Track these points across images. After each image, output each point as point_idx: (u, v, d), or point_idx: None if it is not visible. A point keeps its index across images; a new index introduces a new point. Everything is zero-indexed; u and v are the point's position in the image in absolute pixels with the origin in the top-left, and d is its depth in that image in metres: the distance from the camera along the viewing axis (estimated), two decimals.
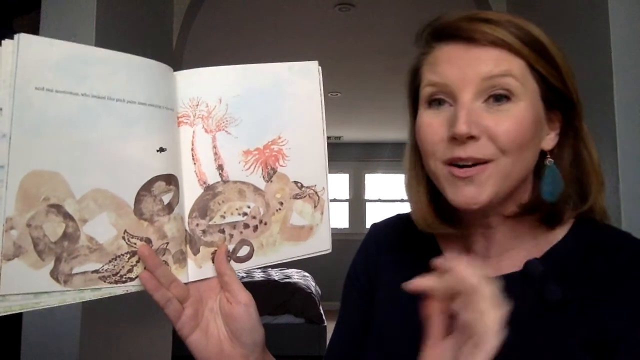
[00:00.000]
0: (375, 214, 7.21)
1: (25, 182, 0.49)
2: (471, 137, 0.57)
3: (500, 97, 0.58)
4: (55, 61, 0.50)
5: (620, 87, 1.28)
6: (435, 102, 0.61)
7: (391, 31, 3.46)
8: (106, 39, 1.52)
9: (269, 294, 4.31)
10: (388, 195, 7.44)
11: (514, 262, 0.62)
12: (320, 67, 0.64)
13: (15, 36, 0.48)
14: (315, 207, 0.64)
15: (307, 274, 5.31)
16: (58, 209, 0.51)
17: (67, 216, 0.52)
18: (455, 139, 0.57)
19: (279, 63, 0.62)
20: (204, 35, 3.33)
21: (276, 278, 4.71)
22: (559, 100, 0.61)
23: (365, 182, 7.43)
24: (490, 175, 0.58)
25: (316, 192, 0.64)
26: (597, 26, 1.36)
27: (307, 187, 0.63)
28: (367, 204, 7.38)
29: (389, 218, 0.80)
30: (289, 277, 4.85)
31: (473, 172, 0.58)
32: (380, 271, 0.73)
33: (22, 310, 0.50)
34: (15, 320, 1.45)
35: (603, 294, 0.56)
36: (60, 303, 0.52)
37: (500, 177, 0.58)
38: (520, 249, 0.63)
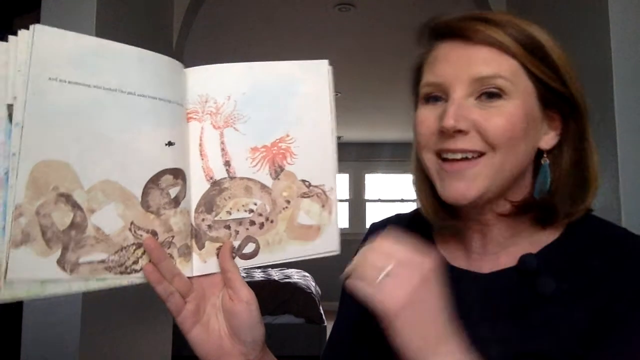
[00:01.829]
0: (375, 214, 7.21)
1: (35, 170, 0.50)
2: (460, 131, 0.58)
3: (491, 94, 0.59)
4: (69, 53, 0.51)
5: (620, 87, 1.28)
6: (432, 98, 0.62)
7: (391, 31, 3.46)
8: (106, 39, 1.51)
9: (269, 294, 4.31)
10: (388, 195, 7.44)
11: (511, 259, 0.63)
12: (330, 67, 0.63)
13: (31, 27, 0.49)
14: (323, 206, 0.62)
15: (307, 274, 5.31)
16: (67, 198, 0.52)
17: (76, 206, 0.52)
18: (444, 132, 0.59)
19: (288, 61, 0.62)
20: (204, 35, 3.33)
21: (276, 278, 4.71)
22: (559, 100, 0.61)
23: (365, 182, 7.43)
24: (481, 171, 0.59)
25: (324, 192, 0.62)
26: (597, 26, 1.36)
27: (315, 186, 0.62)
28: (367, 204, 7.38)
29: (388, 217, 0.81)
30: (289, 277, 4.85)
31: (462, 166, 0.59)
32: None
33: (27, 298, 0.51)
34: (15, 320, 1.45)
35: (597, 284, 0.57)
36: (66, 292, 0.53)
37: (490, 172, 0.59)
38: (518, 247, 0.64)
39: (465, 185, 0.59)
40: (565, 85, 0.61)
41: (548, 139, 0.63)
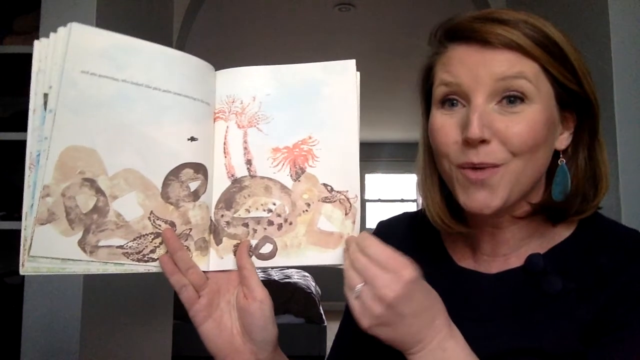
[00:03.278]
0: (375, 214, 7.21)
1: (64, 154, 0.54)
2: (483, 141, 0.57)
3: (513, 99, 0.57)
4: (101, 48, 0.55)
5: (620, 87, 1.28)
6: (448, 102, 0.60)
7: (391, 31, 3.46)
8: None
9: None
10: (388, 195, 7.44)
11: (520, 260, 0.63)
12: (357, 72, 0.61)
13: (68, 24, 0.54)
14: (346, 214, 0.60)
15: (307, 274, 5.30)
16: (91, 183, 0.55)
17: (99, 191, 0.56)
18: (468, 143, 0.57)
19: (314, 63, 0.61)
20: (204, 35, 3.33)
21: (276, 278, 4.71)
22: (574, 101, 0.60)
23: (365, 182, 7.42)
24: (502, 178, 0.57)
25: (348, 199, 0.60)
26: (597, 26, 1.36)
27: (337, 192, 0.60)
28: (367, 204, 7.38)
29: (396, 216, 0.81)
30: (289, 277, 4.84)
31: (486, 174, 0.57)
32: None
33: (49, 273, 0.54)
34: (15, 320, 1.45)
35: (603, 283, 0.57)
36: (85, 272, 0.56)
37: (512, 179, 0.58)
38: (527, 248, 0.64)
39: (488, 195, 0.58)
40: (581, 86, 0.60)
41: (563, 139, 0.62)
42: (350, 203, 0.60)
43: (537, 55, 0.57)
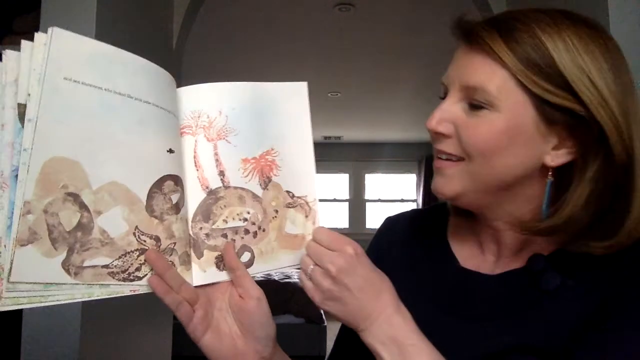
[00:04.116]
0: (375, 214, 7.21)
1: (46, 167, 0.50)
2: (442, 134, 0.61)
3: (475, 105, 0.59)
4: (85, 56, 0.53)
5: None
6: (442, 98, 0.64)
7: (391, 31, 3.45)
8: (106, 40, 1.50)
9: (269, 294, 4.20)
10: (388, 195, 7.44)
11: (523, 261, 0.64)
12: (307, 88, 0.68)
13: (49, 29, 0.51)
14: (306, 217, 0.66)
15: None
16: (75, 198, 0.52)
17: (83, 206, 0.52)
18: (431, 132, 0.62)
19: (271, 83, 0.66)
20: (204, 36, 3.33)
21: (276, 278, 4.71)
22: (569, 117, 0.56)
23: (365, 182, 7.43)
24: (457, 173, 0.61)
25: (307, 203, 0.66)
26: None
27: (298, 197, 0.66)
28: (367, 204, 7.38)
29: (404, 212, 0.82)
30: (289, 277, 4.84)
31: (441, 164, 0.62)
32: (390, 266, 0.74)
33: (30, 306, 0.49)
34: (15, 320, 1.45)
35: (603, 280, 0.57)
36: (69, 299, 0.51)
37: (465, 177, 0.60)
38: (531, 249, 0.64)
39: (443, 182, 0.62)
40: (581, 104, 0.55)
41: (556, 156, 0.58)
42: (309, 206, 0.66)
43: (510, 65, 0.56)
